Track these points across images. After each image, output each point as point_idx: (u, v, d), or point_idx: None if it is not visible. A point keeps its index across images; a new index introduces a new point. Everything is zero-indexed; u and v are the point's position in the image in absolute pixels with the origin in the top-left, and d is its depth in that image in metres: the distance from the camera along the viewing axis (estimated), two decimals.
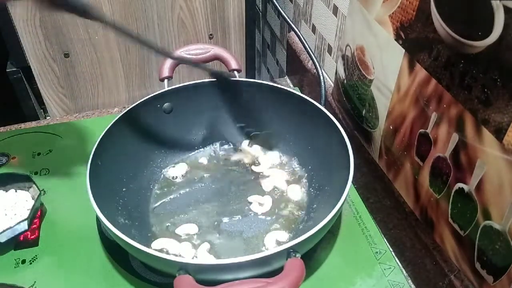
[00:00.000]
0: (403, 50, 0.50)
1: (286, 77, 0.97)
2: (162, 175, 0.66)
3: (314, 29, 0.82)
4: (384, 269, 0.54)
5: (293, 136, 0.67)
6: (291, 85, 0.94)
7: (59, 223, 0.59)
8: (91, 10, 0.45)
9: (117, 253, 0.54)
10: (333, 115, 0.58)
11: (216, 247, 0.56)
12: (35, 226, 0.57)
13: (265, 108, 0.66)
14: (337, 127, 0.57)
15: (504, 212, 0.40)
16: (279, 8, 0.87)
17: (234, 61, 0.67)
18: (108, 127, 0.58)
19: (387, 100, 0.55)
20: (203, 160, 0.68)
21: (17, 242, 0.56)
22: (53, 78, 0.90)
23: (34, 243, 0.56)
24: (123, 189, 0.59)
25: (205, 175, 0.66)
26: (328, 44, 0.77)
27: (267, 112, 0.67)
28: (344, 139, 0.55)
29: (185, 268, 0.43)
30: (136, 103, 0.62)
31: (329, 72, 0.79)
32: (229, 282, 0.41)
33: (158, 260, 0.44)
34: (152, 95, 0.63)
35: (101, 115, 0.79)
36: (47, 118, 0.91)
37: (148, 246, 0.52)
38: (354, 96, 0.65)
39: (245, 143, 0.70)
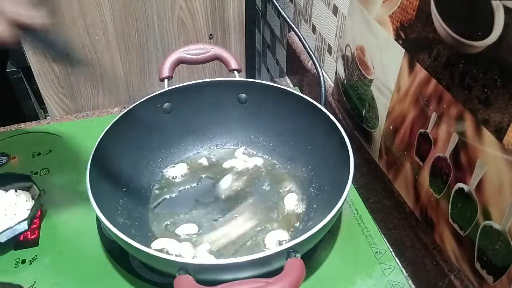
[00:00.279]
0: (403, 50, 0.50)
1: (286, 77, 0.97)
2: (162, 175, 0.66)
3: (314, 29, 0.82)
4: (384, 269, 0.54)
5: (293, 136, 0.67)
6: (291, 85, 0.94)
7: (59, 223, 0.59)
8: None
9: (117, 253, 0.54)
10: (333, 115, 0.58)
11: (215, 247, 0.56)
12: (35, 226, 0.57)
13: (265, 108, 0.67)
14: (337, 127, 0.57)
15: (504, 212, 0.40)
16: (279, 8, 0.87)
17: (234, 61, 0.67)
18: (108, 127, 0.58)
19: (387, 100, 0.55)
20: (203, 161, 0.68)
21: (17, 242, 0.56)
22: (53, 78, 0.90)
23: (34, 243, 0.56)
24: (123, 189, 0.59)
25: (204, 175, 0.66)
26: (328, 44, 0.77)
27: (267, 112, 0.67)
28: (344, 139, 0.55)
29: (185, 268, 0.43)
30: (136, 103, 0.62)
31: (329, 72, 0.79)
32: (229, 282, 0.41)
33: (158, 260, 0.44)
34: (152, 95, 0.63)
35: (101, 115, 0.79)
36: (47, 118, 0.91)
37: (148, 246, 0.52)
38: (354, 96, 0.65)
39: (240, 149, 0.69)
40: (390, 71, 0.53)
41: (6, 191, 0.59)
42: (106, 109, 0.82)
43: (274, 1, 0.89)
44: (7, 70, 0.89)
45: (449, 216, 0.48)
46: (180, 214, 0.60)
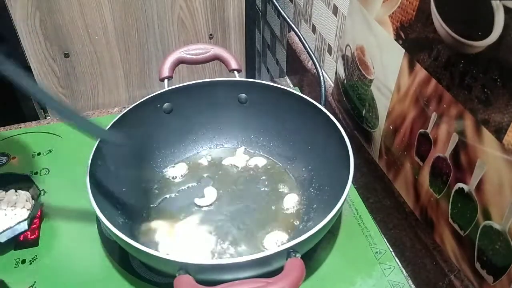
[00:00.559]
0: (403, 50, 0.50)
1: (286, 77, 0.97)
2: (162, 175, 0.66)
3: (314, 29, 0.82)
4: (384, 269, 0.54)
5: (293, 136, 0.67)
6: (291, 85, 0.94)
7: (59, 223, 0.59)
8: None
9: (117, 253, 0.54)
10: (333, 115, 0.58)
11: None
12: (35, 226, 0.57)
13: (265, 108, 0.67)
14: (337, 127, 0.57)
15: (504, 212, 0.40)
16: (279, 8, 0.87)
17: (234, 61, 0.67)
18: (108, 127, 0.58)
19: (387, 100, 0.55)
20: (203, 161, 0.68)
21: (17, 242, 0.56)
22: (53, 78, 0.90)
23: (34, 243, 0.56)
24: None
25: (204, 175, 0.66)
26: (328, 44, 0.77)
27: (267, 112, 0.67)
28: (344, 139, 0.55)
29: (185, 268, 0.43)
30: (136, 103, 0.62)
31: (329, 72, 0.79)
32: (229, 282, 0.41)
33: (158, 260, 0.44)
34: (152, 95, 0.63)
35: (101, 115, 0.79)
36: (47, 118, 0.91)
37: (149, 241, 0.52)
38: (354, 96, 0.65)
39: (241, 149, 0.69)
40: (390, 71, 0.53)
41: (6, 191, 0.59)
42: (106, 109, 0.82)
43: (274, 1, 0.89)
44: None
45: (449, 216, 0.48)
46: (180, 214, 0.60)
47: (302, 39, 0.81)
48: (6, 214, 0.56)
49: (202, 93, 0.66)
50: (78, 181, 0.62)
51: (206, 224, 0.59)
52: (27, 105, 0.94)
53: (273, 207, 0.61)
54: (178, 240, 0.57)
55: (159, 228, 0.58)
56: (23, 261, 0.54)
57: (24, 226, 0.55)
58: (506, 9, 0.35)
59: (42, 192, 0.62)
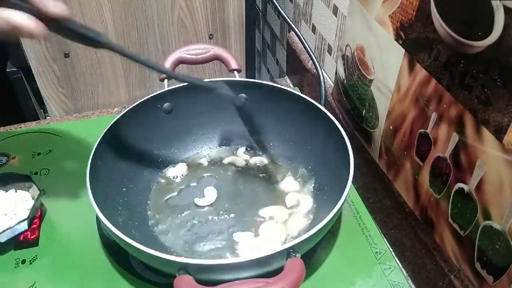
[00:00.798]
0: (403, 50, 0.50)
1: (286, 77, 0.97)
2: (162, 175, 0.66)
3: (314, 29, 0.82)
4: (384, 269, 0.54)
5: (293, 136, 0.67)
6: (291, 85, 0.94)
7: (59, 223, 0.59)
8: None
9: (117, 253, 0.54)
10: (333, 115, 0.58)
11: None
12: (35, 226, 0.57)
13: (265, 108, 0.67)
14: (337, 127, 0.57)
15: (504, 212, 0.40)
16: (279, 8, 0.87)
17: (234, 61, 0.67)
18: (108, 127, 0.58)
19: (387, 100, 0.55)
20: (203, 161, 0.68)
21: (17, 242, 0.56)
22: (53, 78, 0.90)
23: (34, 243, 0.56)
24: (123, 189, 0.59)
25: (204, 175, 0.66)
26: (328, 44, 0.77)
27: (267, 112, 0.67)
28: (344, 139, 0.55)
29: (185, 268, 0.43)
30: (136, 103, 0.62)
31: (329, 72, 0.79)
32: (229, 282, 0.41)
33: (158, 260, 0.44)
34: (152, 95, 0.63)
35: (101, 115, 0.79)
36: (47, 118, 0.91)
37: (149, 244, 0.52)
38: (354, 96, 0.65)
39: (242, 149, 0.69)
40: (390, 71, 0.53)
41: (6, 191, 0.59)
42: (106, 109, 0.82)
43: (274, 1, 0.89)
44: (7, 70, 0.89)
45: (449, 216, 0.48)
46: (180, 214, 0.60)
47: (302, 39, 0.81)
48: (6, 214, 0.56)
49: (202, 93, 0.66)
50: (78, 181, 0.62)
51: (206, 224, 0.59)
52: (27, 105, 0.94)
53: (273, 206, 0.61)
54: (178, 239, 0.57)
55: (159, 227, 0.58)
56: (23, 261, 0.54)
57: (24, 226, 0.55)
58: (506, 9, 0.35)
59: (42, 192, 0.62)
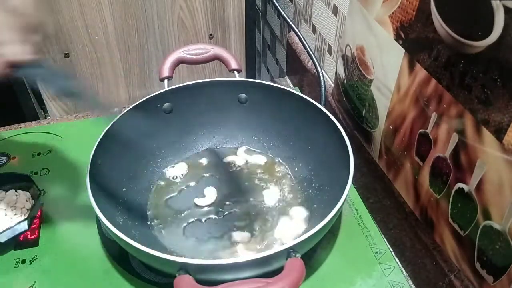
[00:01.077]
0: (403, 50, 0.50)
1: (286, 77, 0.97)
2: (162, 175, 0.66)
3: (314, 29, 0.82)
4: (384, 269, 0.54)
5: (293, 136, 0.67)
6: (291, 85, 0.94)
7: (59, 223, 0.59)
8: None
9: (117, 253, 0.54)
10: (333, 115, 0.58)
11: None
12: (35, 226, 0.57)
13: (265, 108, 0.67)
14: (337, 127, 0.57)
15: (504, 212, 0.40)
16: (279, 8, 0.87)
17: (234, 61, 0.67)
18: (108, 127, 0.58)
19: (387, 100, 0.55)
20: (203, 160, 0.68)
21: (17, 242, 0.56)
22: None
23: (34, 243, 0.56)
24: (123, 189, 0.59)
25: (204, 175, 0.66)
26: (328, 44, 0.77)
27: (267, 112, 0.67)
28: (344, 139, 0.55)
29: (185, 268, 0.43)
30: (136, 103, 0.62)
31: (329, 72, 0.79)
32: (229, 282, 0.41)
33: (158, 260, 0.44)
34: (152, 95, 0.63)
35: (101, 115, 0.79)
36: (47, 118, 0.91)
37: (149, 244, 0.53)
38: (354, 96, 0.65)
39: (243, 148, 0.69)
40: (390, 71, 0.53)
41: (6, 191, 0.59)
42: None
43: (274, 1, 0.89)
44: None
45: (449, 216, 0.48)
46: (179, 214, 0.60)
47: (302, 39, 0.81)
48: (6, 214, 0.56)
49: (202, 93, 0.66)
50: (78, 181, 0.63)
51: (205, 223, 0.59)
52: (27, 105, 0.94)
53: (273, 207, 0.61)
54: (178, 239, 0.57)
55: (159, 227, 0.58)
56: (23, 261, 0.54)
57: (24, 226, 0.55)
58: (506, 9, 0.35)
59: (42, 192, 0.62)
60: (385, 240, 0.57)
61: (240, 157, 0.68)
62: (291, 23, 0.84)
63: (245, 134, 0.70)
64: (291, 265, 0.43)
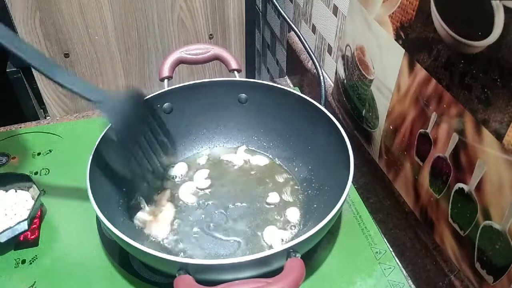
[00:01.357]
0: (403, 50, 0.50)
1: (286, 77, 0.97)
2: (161, 175, 0.66)
3: (314, 29, 0.82)
4: (384, 269, 0.54)
5: (293, 136, 0.67)
6: (291, 85, 0.94)
7: (59, 223, 0.59)
8: None
9: (117, 253, 0.54)
10: (333, 115, 0.58)
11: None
12: (35, 226, 0.57)
13: (265, 108, 0.67)
14: (337, 127, 0.57)
15: (504, 212, 0.40)
16: (279, 8, 0.87)
17: (234, 61, 0.67)
18: (108, 127, 0.58)
19: (387, 100, 0.55)
20: (203, 161, 0.68)
21: (17, 242, 0.56)
22: None
23: (34, 243, 0.56)
24: (123, 189, 0.59)
25: (204, 175, 0.66)
26: (328, 44, 0.77)
27: (267, 112, 0.67)
28: (344, 139, 0.55)
29: (185, 268, 0.43)
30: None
31: (329, 72, 0.79)
32: (229, 282, 0.41)
33: (158, 260, 0.44)
34: (152, 95, 0.63)
35: (101, 115, 0.79)
36: (47, 118, 0.91)
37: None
38: (354, 96, 0.65)
39: (242, 147, 0.70)
40: (390, 71, 0.53)
41: (6, 191, 0.59)
42: None
43: (274, 1, 0.89)
44: (7, 70, 0.89)
45: (449, 216, 0.48)
46: (179, 213, 0.60)
47: (302, 39, 0.81)
48: (6, 214, 0.56)
49: (202, 93, 0.66)
50: (78, 181, 0.62)
51: (205, 223, 0.59)
52: (27, 105, 0.94)
53: (273, 207, 0.61)
54: (177, 237, 0.57)
55: (159, 226, 0.58)
56: (23, 261, 0.54)
57: (24, 226, 0.55)
58: (506, 9, 0.35)
59: (42, 192, 0.62)
60: (385, 240, 0.57)
61: (240, 157, 0.68)
62: (291, 23, 0.84)
63: (245, 134, 0.70)
64: (291, 265, 0.43)
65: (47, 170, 0.65)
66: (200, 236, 0.57)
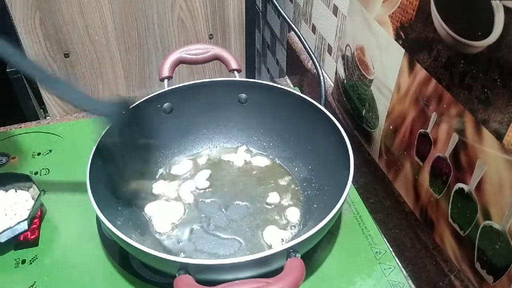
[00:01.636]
0: (403, 50, 0.50)
1: (286, 77, 0.97)
2: (162, 175, 0.66)
3: (314, 29, 0.82)
4: (384, 269, 0.54)
5: (293, 136, 0.67)
6: (291, 85, 0.94)
7: (59, 223, 0.59)
8: None
9: (117, 253, 0.54)
10: (333, 115, 0.58)
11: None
12: (35, 226, 0.57)
13: (265, 108, 0.67)
14: (337, 127, 0.57)
15: (504, 212, 0.40)
16: (279, 8, 0.87)
17: (234, 61, 0.67)
18: (108, 127, 0.58)
19: (387, 100, 0.55)
20: (203, 161, 0.68)
21: (17, 242, 0.56)
22: None
23: (34, 243, 0.56)
24: (123, 189, 0.59)
25: (204, 176, 0.66)
26: (328, 44, 0.77)
27: (267, 112, 0.67)
28: (344, 139, 0.55)
29: (185, 268, 0.43)
30: (136, 103, 0.62)
31: (329, 72, 0.79)
32: (229, 282, 0.41)
33: (158, 260, 0.44)
34: (152, 95, 0.63)
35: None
36: (47, 118, 0.91)
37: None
38: (354, 96, 0.65)
39: (243, 147, 0.70)
40: (390, 71, 0.53)
41: (6, 191, 0.59)
42: None
43: (274, 1, 0.89)
44: (7, 70, 0.89)
45: (449, 216, 0.48)
46: (179, 213, 0.60)
47: (302, 39, 0.81)
48: (6, 214, 0.56)
49: (202, 93, 0.66)
50: (78, 181, 0.62)
51: (205, 223, 0.59)
52: (27, 105, 0.94)
53: (273, 207, 0.61)
54: (177, 236, 0.57)
55: (158, 226, 0.58)
56: (23, 261, 0.54)
57: (24, 226, 0.55)
58: (506, 9, 0.35)
59: (42, 192, 0.62)
60: (385, 240, 0.57)
61: (240, 157, 0.68)
62: (291, 23, 0.84)
63: (245, 134, 0.70)
64: (291, 265, 0.43)
65: (47, 170, 0.65)
66: (200, 236, 0.57)
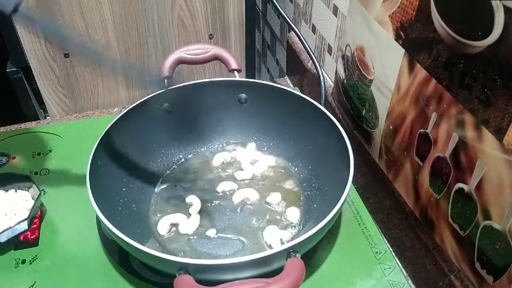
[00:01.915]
0: (403, 50, 0.50)
1: (286, 77, 0.97)
2: (162, 175, 0.66)
3: (314, 29, 0.82)
4: (384, 269, 0.54)
5: (293, 136, 0.67)
6: (291, 85, 0.94)
7: (59, 223, 0.59)
8: None
9: (117, 253, 0.54)
10: (333, 115, 0.58)
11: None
12: (35, 226, 0.57)
13: (265, 108, 0.67)
14: (337, 127, 0.57)
15: (504, 212, 0.40)
16: (279, 8, 0.87)
17: (234, 61, 0.67)
18: (108, 127, 0.58)
19: (387, 100, 0.55)
20: (203, 161, 0.68)
21: (17, 242, 0.56)
22: (53, 78, 0.90)
23: (34, 243, 0.56)
24: (123, 189, 0.59)
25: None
26: (328, 44, 0.77)
27: (267, 112, 0.67)
28: (344, 139, 0.55)
29: (185, 268, 0.43)
30: (136, 103, 0.62)
31: (329, 72, 0.79)
32: (229, 282, 0.41)
33: (158, 260, 0.44)
34: (152, 95, 0.63)
35: (101, 115, 0.79)
36: (47, 118, 0.91)
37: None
38: (354, 96, 0.65)
39: (242, 148, 0.70)
40: (390, 71, 0.53)
41: (6, 191, 0.59)
42: (106, 109, 0.82)
43: (274, 1, 0.89)
44: (7, 70, 0.89)
45: (449, 216, 0.48)
46: (180, 213, 0.60)
47: (302, 39, 0.81)
48: (6, 214, 0.56)
49: (202, 93, 0.66)
50: (78, 181, 0.63)
51: (205, 223, 0.59)
52: (27, 105, 0.94)
53: (273, 207, 0.61)
54: (177, 237, 0.57)
55: (159, 226, 0.58)
56: (23, 261, 0.54)
57: (24, 226, 0.55)
58: (506, 9, 0.35)
59: (42, 192, 0.62)
60: (385, 240, 0.57)
61: (240, 157, 0.68)
62: (291, 23, 0.84)
63: (245, 134, 0.70)
64: (291, 265, 0.43)
65: (47, 170, 0.65)
66: (200, 236, 0.57)
